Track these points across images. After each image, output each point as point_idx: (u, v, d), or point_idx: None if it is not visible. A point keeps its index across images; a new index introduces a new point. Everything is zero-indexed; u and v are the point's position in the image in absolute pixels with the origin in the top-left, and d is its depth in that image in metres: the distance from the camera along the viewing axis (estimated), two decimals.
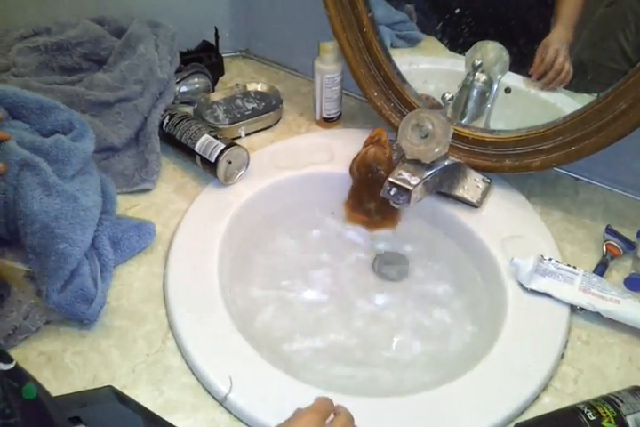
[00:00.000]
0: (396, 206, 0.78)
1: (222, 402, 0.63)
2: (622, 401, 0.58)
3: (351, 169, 0.86)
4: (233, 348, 0.66)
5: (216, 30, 1.06)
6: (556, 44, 0.80)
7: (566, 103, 0.82)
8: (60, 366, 0.66)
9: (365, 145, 0.85)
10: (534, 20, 0.83)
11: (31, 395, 0.42)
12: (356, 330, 0.78)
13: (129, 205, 0.84)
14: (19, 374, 0.42)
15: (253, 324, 0.74)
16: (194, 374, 0.66)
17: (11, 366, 0.41)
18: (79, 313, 0.68)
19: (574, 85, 0.82)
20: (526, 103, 0.87)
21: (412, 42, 0.94)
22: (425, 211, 0.84)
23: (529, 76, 0.84)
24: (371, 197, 0.85)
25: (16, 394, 0.40)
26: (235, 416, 0.62)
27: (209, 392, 0.64)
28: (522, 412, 0.62)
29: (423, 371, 0.72)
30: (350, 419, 0.55)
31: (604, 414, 0.57)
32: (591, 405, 0.58)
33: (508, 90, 0.87)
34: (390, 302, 0.82)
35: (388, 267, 0.85)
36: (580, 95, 0.81)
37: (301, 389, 0.62)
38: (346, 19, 0.86)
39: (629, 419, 0.57)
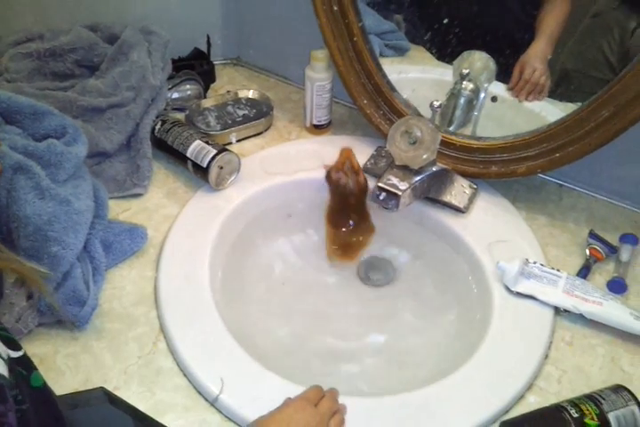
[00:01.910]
0: (384, 211, 0.79)
1: (213, 403, 0.64)
2: (604, 399, 0.60)
3: (327, 181, 0.87)
4: (224, 349, 0.67)
5: (208, 38, 1.07)
6: (535, 60, 0.82)
7: (550, 112, 0.83)
8: (52, 368, 0.67)
9: (336, 171, 0.86)
10: (520, 31, 0.85)
11: (38, 382, 0.43)
12: (346, 332, 0.79)
13: (120, 210, 0.85)
14: (27, 363, 0.43)
15: (244, 326, 0.75)
16: (185, 375, 0.66)
17: (20, 353, 0.43)
18: (71, 315, 0.68)
19: (559, 95, 0.84)
20: (512, 112, 0.89)
21: (400, 51, 0.95)
22: (413, 216, 0.85)
23: (511, 89, 0.86)
24: (347, 220, 0.88)
25: (24, 382, 0.41)
26: (226, 417, 0.63)
27: (200, 393, 0.65)
28: (507, 411, 0.64)
29: (411, 371, 0.73)
30: (335, 400, 0.59)
31: (587, 412, 0.59)
32: (574, 403, 0.60)
33: (494, 99, 0.89)
34: (378, 305, 0.83)
35: (374, 272, 0.86)
36: (563, 104, 0.83)
37: (292, 389, 0.62)
38: (337, 28, 0.87)
39: (611, 416, 0.58)
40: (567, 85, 0.84)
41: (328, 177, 0.87)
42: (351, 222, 0.88)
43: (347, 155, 0.86)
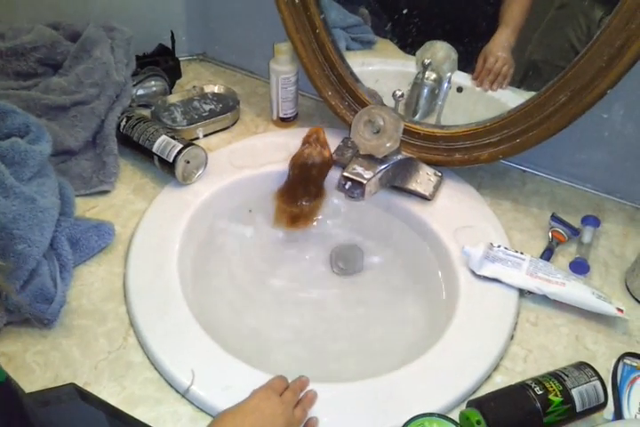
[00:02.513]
0: (351, 200, 0.80)
1: (185, 395, 0.64)
2: (568, 376, 0.61)
3: (289, 165, 0.88)
4: (194, 341, 0.67)
5: (172, 34, 1.07)
6: (498, 50, 0.84)
7: (514, 100, 0.84)
8: (22, 365, 0.66)
9: (303, 144, 0.87)
10: (484, 20, 0.86)
11: (1, 378, 0.43)
12: (315, 320, 0.80)
13: (87, 207, 0.85)
14: None
15: (213, 318, 0.76)
16: (156, 368, 0.67)
17: None
18: (39, 312, 0.68)
19: (527, 85, 0.84)
20: (476, 100, 0.90)
21: (366, 44, 0.96)
22: (380, 204, 0.87)
23: (475, 79, 0.87)
24: (304, 194, 0.88)
25: None
26: (197, 408, 0.63)
27: (171, 386, 0.65)
28: (474, 391, 0.65)
29: (380, 356, 0.74)
30: (297, 393, 0.61)
31: (551, 389, 0.60)
32: (539, 380, 0.61)
33: (460, 89, 0.91)
34: (347, 292, 0.84)
35: (345, 261, 0.87)
36: (528, 93, 0.84)
37: (262, 378, 0.63)
38: (299, 20, 0.88)
39: (574, 392, 0.60)
40: (535, 76, 0.85)
41: (292, 157, 0.87)
42: (304, 201, 0.89)
43: (316, 129, 0.86)
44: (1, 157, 0.73)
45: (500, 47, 0.84)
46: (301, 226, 0.90)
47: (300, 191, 0.88)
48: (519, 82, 0.85)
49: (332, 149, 0.90)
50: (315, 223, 0.91)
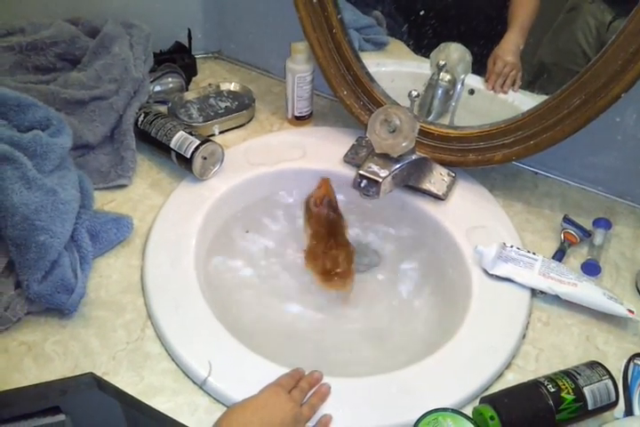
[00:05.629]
0: (366, 198, 0.81)
1: (202, 386, 0.65)
2: (580, 374, 0.62)
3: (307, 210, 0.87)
4: (210, 334, 0.69)
5: (189, 32, 1.08)
6: (507, 53, 0.85)
7: (526, 103, 0.86)
8: (41, 354, 0.67)
9: (316, 203, 0.86)
10: (494, 23, 0.87)
11: None
12: (330, 315, 0.81)
13: (105, 201, 0.86)
14: None
15: (229, 310, 0.77)
16: (173, 359, 0.68)
17: None
18: (59, 303, 0.69)
19: (537, 88, 0.86)
20: (488, 102, 0.91)
21: (379, 45, 0.97)
22: (394, 203, 0.88)
23: (486, 81, 0.88)
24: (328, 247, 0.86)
25: None
26: (214, 399, 0.65)
27: (188, 377, 0.66)
28: (487, 388, 0.66)
29: (393, 353, 0.75)
30: (304, 390, 0.62)
31: (563, 387, 0.61)
32: (551, 378, 0.62)
33: (471, 91, 0.92)
34: (361, 289, 0.85)
35: (359, 258, 0.88)
36: (539, 96, 0.85)
37: (276, 371, 0.64)
38: (316, 20, 0.89)
39: (586, 390, 0.61)
40: (545, 79, 0.86)
41: (307, 208, 0.87)
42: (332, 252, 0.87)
43: (325, 191, 0.86)
44: (23, 149, 0.74)
45: (508, 51, 0.85)
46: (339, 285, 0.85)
47: (325, 244, 0.87)
48: (530, 85, 0.86)
49: (347, 149, 0.92)
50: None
